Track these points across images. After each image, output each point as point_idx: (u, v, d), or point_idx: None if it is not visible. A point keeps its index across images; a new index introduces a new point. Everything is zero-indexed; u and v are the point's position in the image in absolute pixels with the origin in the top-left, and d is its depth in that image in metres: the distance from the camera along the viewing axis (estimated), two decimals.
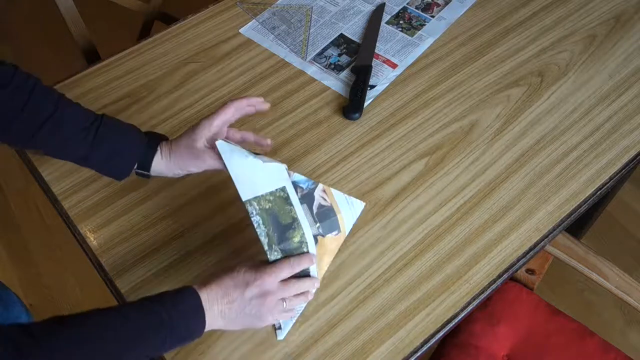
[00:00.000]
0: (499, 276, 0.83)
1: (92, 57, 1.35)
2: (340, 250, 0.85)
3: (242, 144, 0.81)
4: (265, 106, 0.84)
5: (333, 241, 0.79)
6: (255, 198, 0.72)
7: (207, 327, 0.68)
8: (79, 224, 0.89)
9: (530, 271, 1.14)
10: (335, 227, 0.78)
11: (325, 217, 0.77)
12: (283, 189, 0.74)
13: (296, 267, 0.73)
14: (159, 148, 0.80)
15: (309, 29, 1.14)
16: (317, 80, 1.06)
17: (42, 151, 0.82)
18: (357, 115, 1.00)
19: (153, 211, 0.90)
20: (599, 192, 0.92)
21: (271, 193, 0.73)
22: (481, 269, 0.84)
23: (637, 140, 0.97)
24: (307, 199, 0.76)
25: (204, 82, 1.06)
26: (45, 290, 1.70)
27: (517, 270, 0.87)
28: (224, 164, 0.74)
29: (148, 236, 0.87)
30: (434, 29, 1.13)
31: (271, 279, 0.71)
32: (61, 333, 0.59)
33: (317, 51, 1.10)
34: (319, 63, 1.09)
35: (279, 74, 1.07)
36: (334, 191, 0.80)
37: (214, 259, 0.85)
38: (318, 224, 0.76)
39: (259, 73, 1.07)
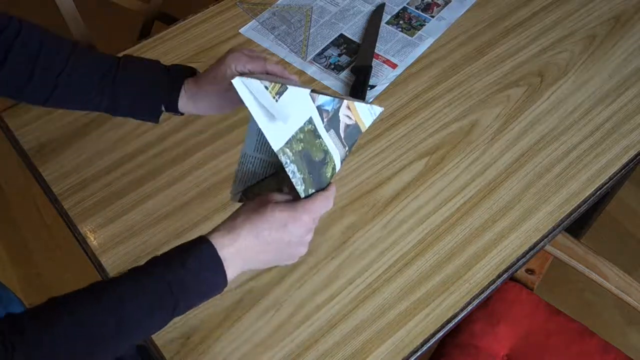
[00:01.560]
0: (499, 276, 0.83)
1: None
2: (340, 250, 0.85)
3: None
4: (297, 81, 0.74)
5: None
6: (287, 143, 0.61)
7: (230, 278, 0.60)
8: (79, 224, 0.89)
9: (530, 271, 1.14)
10: (358, 138, 0.70)
11: (353, 137, 0.68)
12: (310, 121, 0.63)
13: (331, 201, 0.65)
14: (183, 88, 0.74)
15: (309, 29, 1.14)
16: (317, 80, 1.06)
17: (65, 108, 0.78)
18: None
19: (153, 211, 0.90)
20: (599, 192, 0.92)
21: (300, 129, 0.62)
22: (481, 269, 0.84)
23: (637, 140, 0.97)
24: (333, 123, 0.66)
25: None
26: (45, 290, 1.70)
27: (517, 270, 0.87)
28: (247, 107, 0.60)
29: (148, 236, 0.87)
30: (434, 29, 1.13)
31: (309, 218, 0.63)
32: (51, 324, 0.54)
33: (317, 51, 1.10)
34: (319, 63, 1.09)
35: None
36: (357, 104, 0.68)
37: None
38: (346, 148, 0.68)
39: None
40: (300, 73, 1.07)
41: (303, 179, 0.63)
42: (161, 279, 0.57)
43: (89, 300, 0.57)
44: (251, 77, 0.61)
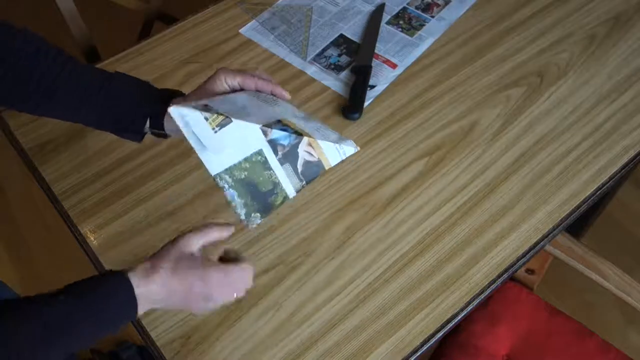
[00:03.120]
0: (499, 276, 0.83)
1: (92, 57, 1.35)
2: (340, 250, 0.85)
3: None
4: (287, 97, 0.75)
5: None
6: (226, 170, 0.64)
7: (139, 314, 0.63)
8: (79, 224, 0.89)
9: (530, 271, 1.14)
10: (319, 174, 0.69)
11: (313, 173, 0.68)
12: (260, 152, 0.64)
13: (246, 274, 0.68)
14: (171, 104, 0.73)
15: (309, 29, 1.14)
16: (317, 80, 1.06)
17: (53, 117, 0.77)
18: (357, 115, 1.00)
19: (153, 211, 0.90)
20: (598, 192, 0.92)
21: (246, 159, 0.64)
22: (481, 269, 0.84)
23: (636, 140, 0.97)
24: (289, 157, 0.66)
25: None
26: (45, 290, 1.69)
27: (517, 270, 0.87)
28: (183, 133, 0.64)
29: (148, 236, 0.87)
30: (434, 29, 1.13)
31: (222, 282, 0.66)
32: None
33: (317, 51, 1.10)
34: (319, 63, 1.09)
35: (279, 74, 1.07)
36: (321, 143, 0.67)
37: (213, 258, 0.85)
38: (303, 182, 0.68)
39: None
40: (300, 73, 1.07)
41: (244, 203, 0.66)
42: (73, 311, 0.61)
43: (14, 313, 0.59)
44: (197, 105, 0.63)
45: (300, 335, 0.78)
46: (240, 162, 0.64)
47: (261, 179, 0.66)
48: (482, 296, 0.82)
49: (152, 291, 0.62)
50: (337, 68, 1.08)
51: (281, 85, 1.04)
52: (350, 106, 1.00)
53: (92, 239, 0.88)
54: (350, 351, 0.77)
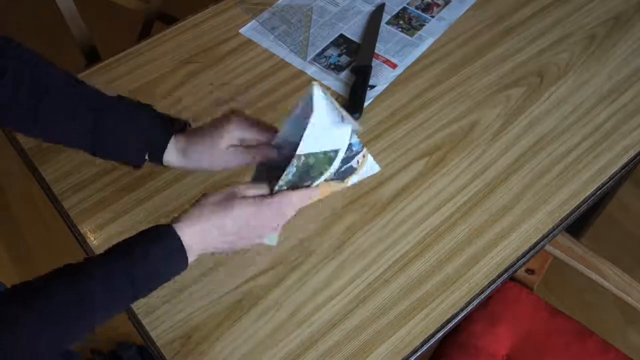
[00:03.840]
0: (499, 276, 0.83)
1: (92, 57, 1.35)
2: (340, 250, 0.85)
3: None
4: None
5: (332, 185, 0.74)
6: (307, 154, 0.65)
7: (190, 262, 0.65)
8: (79, 224, 0.89)
9: (530, 271, 1.14)
10: (344, 177, 0.73)
11: (344, 174, 0.72)
12: (336, 152, 0.68)
13: (301, 201, 0.68)
14: (172, 140, 0.73)
15: (309, 29, 1.14)
16: (317, 80, 1.06)
17: (49, 141, 0.76)
18: (357, 115, 1.00)
19: (153, 211, 0.90)
20: (599, 192, 0.92)
21: (324, 153, 0.67)
22: (481, 269, 0.84)
23: (637, 140, 0.97)
24: (347, 160, 0.71)
25: (204, 82, 1.06)
26: None
27: (517, 270, 0.87)
28: (310, 110, 0.64)
29: None
30: (434, 29, 1.13)
31: (271, 213, 0.67)
32: (28, 302, 0.56)
33: (317, 51, 1.10)
34: (319, 63, 1.09)
35: (279, 74, 1.07)
36: (369, 158, 0.73)
37: (213, 258, 0.85)
38: (333, 179, 0.72)
39: (259, 73, 1.07)
40: (300, 73, 1.07)
41: (289, 180, 0.67)
42: (125, 272, 0.61)
43: (62, 282, 0.59)
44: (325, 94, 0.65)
45: (300, 335, 0.78)
46: (319, 152, 0.67)
47: (318, 168, 0.68)
48: (482, 296, 0.82)
49: (206, 237, 0.64)
50: (337, 68, 1.08)
51: (281, 86, 1.05)
52: (350, 106, 1.00)
53: (92, 239, 0.88)
54: (350, 351, 0.77)
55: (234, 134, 0.71)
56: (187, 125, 0.77)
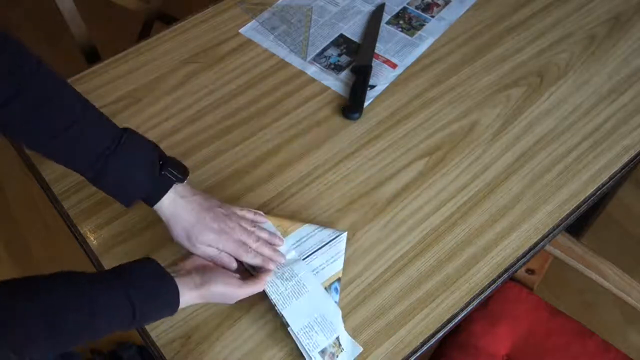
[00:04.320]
0: (499, 276, 0.83)
1: (92, 57, 1.35)
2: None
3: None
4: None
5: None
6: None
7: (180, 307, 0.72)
8: (79, 224, 0.89)
9: (530, 271, 1.14)
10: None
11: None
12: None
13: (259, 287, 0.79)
14: (169, 195, 0.76)
15: (309, 29, 1.14)
16: (317, 80, 1.06)
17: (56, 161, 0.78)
18: (357, 115, 1.00)
19: (153, 211, 0.90)
20: (599, 192, 0.92)
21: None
22: (481, 269, 0.84)
23: (637, 140, 0.97)
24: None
25: (204, 82, 1.06)
26: None
27: (517, 270, 0.87)
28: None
29: (148, 236, 0.87)
30: (434, 29, 1.13)
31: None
32: (30, 299, 0.58)
33: (317, 51, 1.10)
34: (319, 63, 1.09)
35: (279, 74, 1.07)
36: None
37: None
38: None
39: (259, 73, 1.07)
40: (300, 73, 1.07)
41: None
42: (128, 301, 0.65)
43: (65, 288, 0.62)
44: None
45: None
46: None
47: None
48: (482, 296, 0.82)
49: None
50: (337, 68, 1.08)
51: (281, 86, 1.05)
52: (350, 106, 1.00)
53: (92, 239, 0.88)
54: None
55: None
56: (186, 175, 0.79)
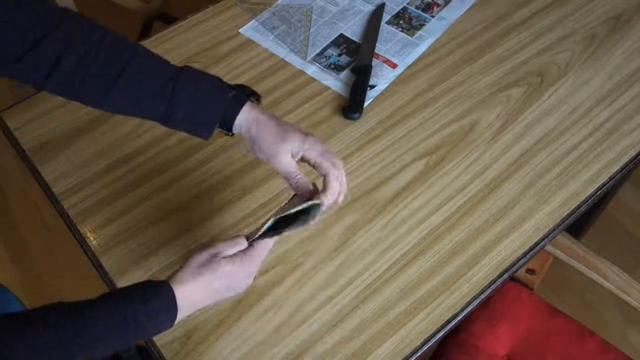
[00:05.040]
0: (499, 276, 0.83)
1: None
2: (340, 250, 0.85)
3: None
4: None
5: None
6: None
7: (177, 319, 0.67)
8: (79, 224, 0.89)
9: (530, 271, 1.14)
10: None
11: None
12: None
13: (266, 249, 0.71)
14: (247, 108, 0.72)
15: (309, 29, 1.14)
16: (317, 80, 1.06)
17: (120, 112, 0.74)
18: (357, 115, 1.00)
19: (153, 211, 0.90)
20: (599, 192, 0.92)
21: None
22: (481, 269, 0.84)
23: (637, 140, 0.97)
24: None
25: None
26: (45, 290, 1.70)
27: (517, 270, 0.87)
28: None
29: (148, 236, 0.87)
30: (434, 29, 1.13)
31: (251, 266, 0.70)
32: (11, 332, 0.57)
33: (317, 51, 1.10)
34: (319, 63, 1.09)
35: (279, 74, 1.07)
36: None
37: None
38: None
39: (259, 73, 1.07)
40: (300, 73, 1.07)
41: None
42: (123, 316, 0.62)
43: (56, 320, 0.60)
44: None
45: (300, 335, 0.78)
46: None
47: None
48: (483, 296, 0.82)
49: (194, 298, 0.67)
50: (337, 68, 1.08)
51: (281, 86, 1.05)
52: (350, 106, 1.00)
53: (91, 239, 0.88)
54: (350, 351, 0.77)
55: (292, 149, 0.72)
56: (259, 98, 0.76)
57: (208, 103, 0.72)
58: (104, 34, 0.70)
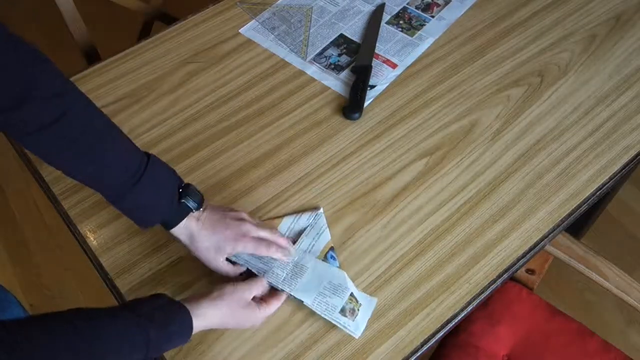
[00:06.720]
0: (499, 276, 0.83)
1: (92, 57, 1.35)
2: (340, 250, 0.85)
3: None
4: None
5: None
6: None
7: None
8: (79, 224, 0.89)
9: (530, 271, 1.14)
10: None
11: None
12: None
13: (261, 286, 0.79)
14: (185, 221, 0.77)
15: (309, 29, 1.14)
16: (317, 80, 1.06)
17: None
18: (357, 115, 1.00)
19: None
20: (599, 192, 0.92)
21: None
22: (481, 269, 0.84)
23: (637, 140, 0.97)
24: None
25: (204, 82, 1.06)
26: (45, 290, 1.70)
27: (517, 270, 0.87)
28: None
29: (148, 236, 0.87)
30: (434, 29, 1.13)
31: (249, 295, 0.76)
32: (29, 339, 0.57)
33: (317, 51, 1.10)
34: (319, 63, 1.09)
35: (279, 74, 1.07)
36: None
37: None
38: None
39: (259, 73, 1.07)
40: (300, 73, 1.07)
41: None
42: (144, 332, 0.65)
43: (70, 327, 0.61)
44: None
45: (300, 335, 0.78)
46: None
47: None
48: (482, 296, 0.82)
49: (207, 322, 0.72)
50: (337, 68, 1.08)
51: (281, 86, 1.05)
52: (350, 106, 1.00)
53: (92, 239, 0.88)
54: (350, 351, 0.77)
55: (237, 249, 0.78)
56: (202, 203, 0.79)
57: (157, 207, 0.76)
58: (92, 113, 0.73)
